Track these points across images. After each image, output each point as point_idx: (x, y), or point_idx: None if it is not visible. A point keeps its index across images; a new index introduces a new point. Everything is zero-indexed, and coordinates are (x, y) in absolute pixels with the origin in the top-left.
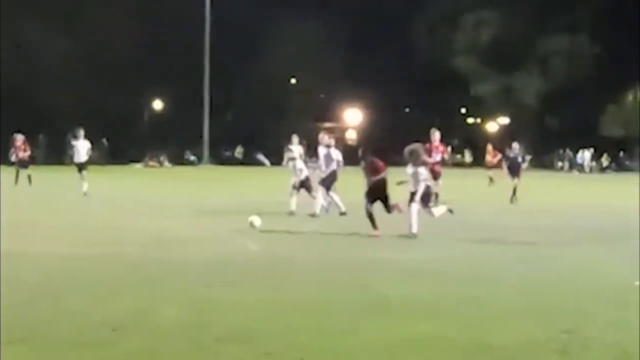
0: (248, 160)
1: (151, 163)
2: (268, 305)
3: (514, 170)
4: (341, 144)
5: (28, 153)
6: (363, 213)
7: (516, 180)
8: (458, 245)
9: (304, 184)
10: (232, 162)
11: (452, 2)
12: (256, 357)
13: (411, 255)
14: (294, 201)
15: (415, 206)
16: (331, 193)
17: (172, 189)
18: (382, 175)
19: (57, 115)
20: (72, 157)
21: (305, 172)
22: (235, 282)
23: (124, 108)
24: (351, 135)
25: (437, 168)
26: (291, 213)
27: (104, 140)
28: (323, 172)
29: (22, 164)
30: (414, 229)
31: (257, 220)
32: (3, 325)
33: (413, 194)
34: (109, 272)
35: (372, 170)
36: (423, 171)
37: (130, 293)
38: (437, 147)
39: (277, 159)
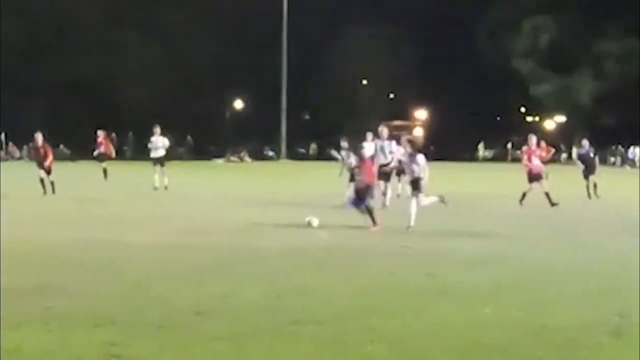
0: (321, 156)
1: (232, 158)
2: (340, 290)
3: (589, 167)
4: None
5: (109, 148)
6: (425, 205)
7: (592, 177)
8: (514, 236)
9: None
10: (307, 157)
11: (513, 9)
12: (330, 339)
13: (472, 245)
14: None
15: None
16: (386, 183)
17: (251, 182)
18: (369, 180)
19: (146, 114)
20: (150, 153)
21: (354, 163)
22: (309, 269)
23: (208, 108)
24: (418, 133)
25: (537, 170)
26: None
27: (189, 137)
28: (380, 164)
29: (101, 158)
30: (425, 202)
31: (315, 221)
32: (94, 310)
33: (412, 182)
34: (193, 259)
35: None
36: (421, 160)
37: (213, 279)
38: (535, 151)
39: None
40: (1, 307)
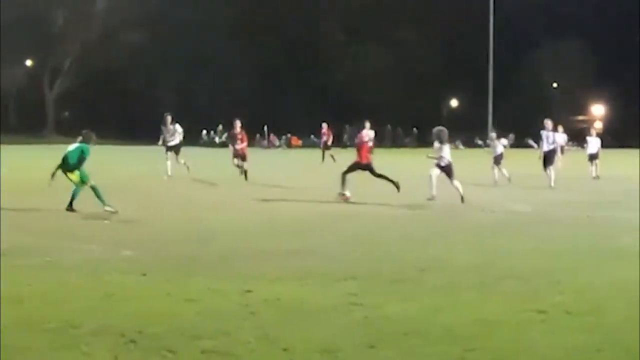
0: (517, 145)
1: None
2: (534, 252)
3: None
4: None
5: (331, 138)
6: (594, 186)
7: None
8: None
9: (497, 160)
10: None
11: None
12: (527, 290)
13: None
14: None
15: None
16: (550, 167)
17: (461, 166)
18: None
19: (380, 111)
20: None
21: (500, 150)
22: (510, 235)
23: (429, 106)
24: (597, 126)
25: None
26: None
27: (414, 129)
28: (544, 150)
29: (326, 146)
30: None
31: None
32: (339, 267)
33: (441, 167)
34: (415, 227)
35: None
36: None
37: (432, 242)
38: None
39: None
40: (262, 265)
